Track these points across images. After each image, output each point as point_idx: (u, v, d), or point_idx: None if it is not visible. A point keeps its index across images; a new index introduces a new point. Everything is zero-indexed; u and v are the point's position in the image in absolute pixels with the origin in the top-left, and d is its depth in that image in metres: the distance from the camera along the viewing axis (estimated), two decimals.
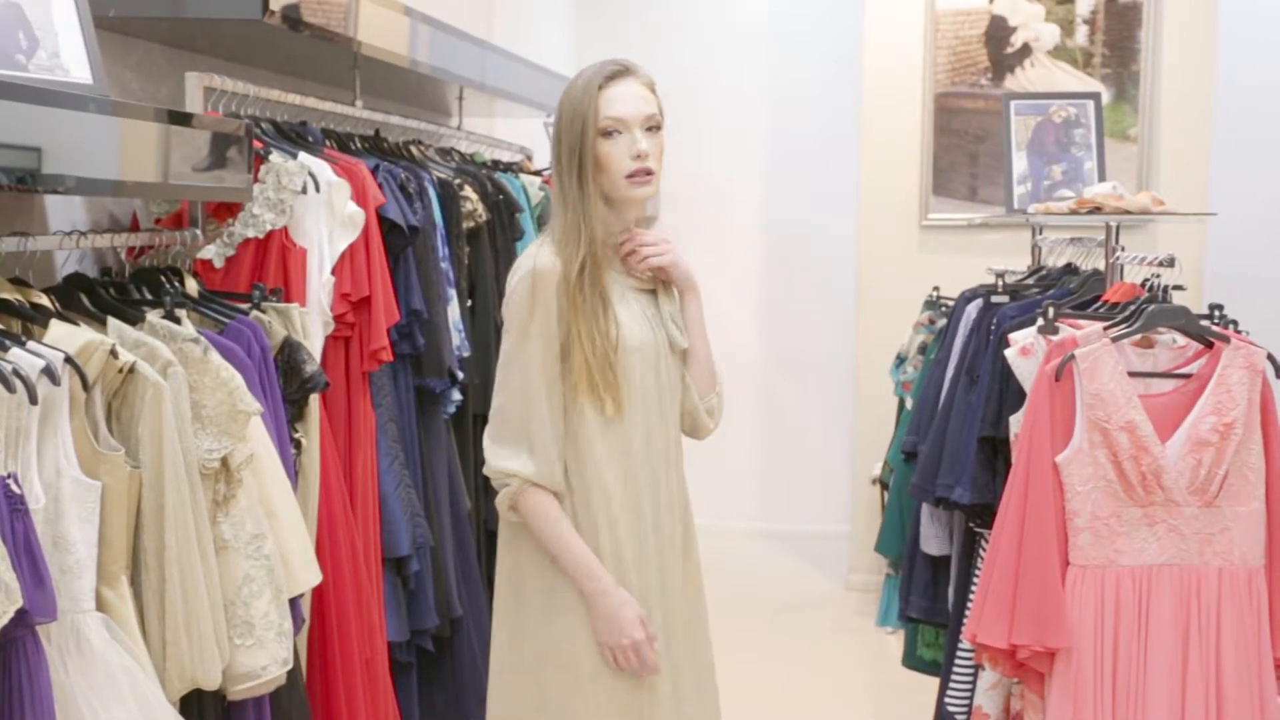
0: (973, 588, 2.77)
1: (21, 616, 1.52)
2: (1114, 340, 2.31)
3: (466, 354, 3.11)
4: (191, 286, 2.25)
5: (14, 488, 1.56)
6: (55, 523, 1.69)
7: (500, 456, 2.13)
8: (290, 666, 2.12)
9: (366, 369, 2.63)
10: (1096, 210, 2.71)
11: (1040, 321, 2.45)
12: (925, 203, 5.07)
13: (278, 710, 2.19)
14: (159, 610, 1.87)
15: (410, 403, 2.91)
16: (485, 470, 2.20)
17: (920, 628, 3.35)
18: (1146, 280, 2.52)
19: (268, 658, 2.05)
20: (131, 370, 1.82)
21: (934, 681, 3.16)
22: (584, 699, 2.13)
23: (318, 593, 2.37)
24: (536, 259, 2.11)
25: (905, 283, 4.86)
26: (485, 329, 3.28)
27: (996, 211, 4.70)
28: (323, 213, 2.40)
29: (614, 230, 2.17)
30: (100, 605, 1.78)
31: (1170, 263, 2.36)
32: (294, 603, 2.19)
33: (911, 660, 3.45)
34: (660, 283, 2.23)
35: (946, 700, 2.89)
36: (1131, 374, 2.31)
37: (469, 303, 3.23)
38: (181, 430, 1.88)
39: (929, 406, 3.18)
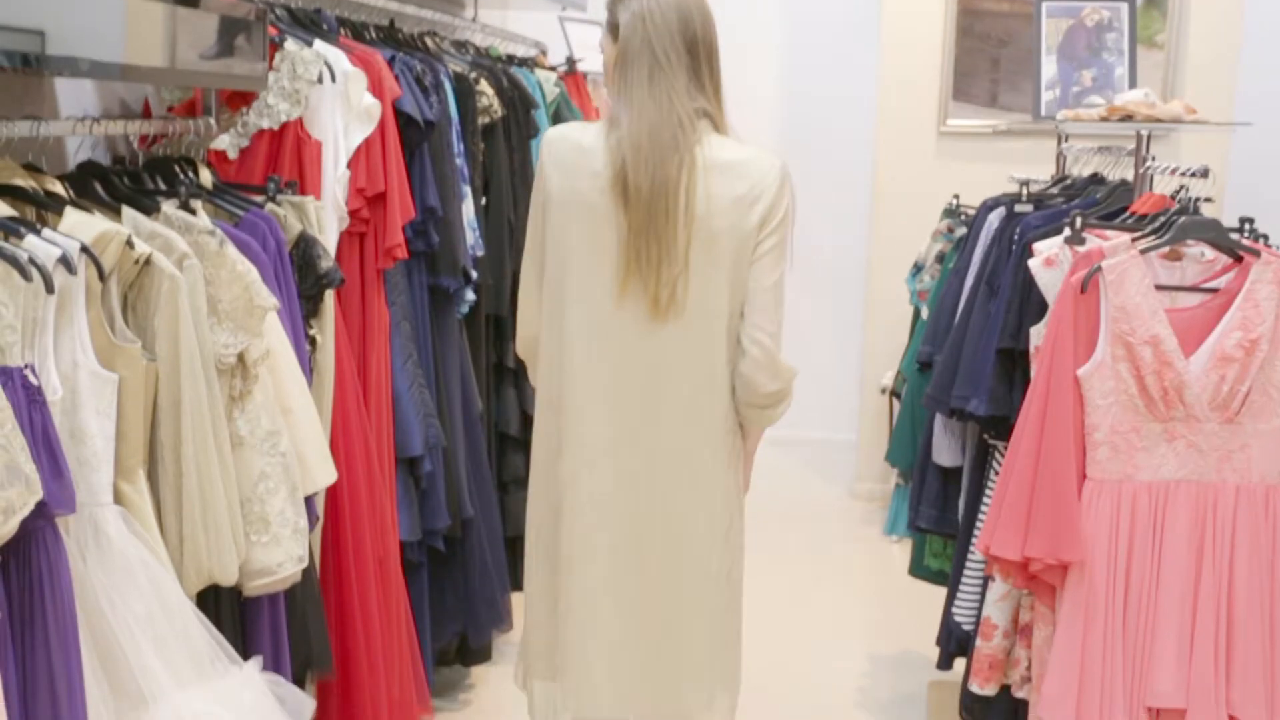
0: (984, 499, 2.76)
1: (41, 508, 1.51)
2: (1142, 252, 2.27)
3: (480, 253, 3.07)
4: (205, 177, 2.20)
5: (31, 379, 1.54)
6: (72, 415, 1.67)
7: (789, 364, 2.17)
8: (305, 564, 2.12)
9: (381, 266, 2.59)
10: (1128, 118, 2.65)
11: (1067, 232, 2.40)
12: (944, 108, 4.97)
13: (292, 607, 2.19)
14: (176, 505, 1.86)
15: (424, 302, 2.88)
16: (779, 382, 2.13)
17: (928, 538, 3.35)
18: (1175, 192, 2.47)
19: (283, 554, 2.05)
20: (148, 262, 1.79)
21: (939, 591, 3.17)
22: None
23: (331, 491, 2.36)
24: (782, 162, 2.10)
25: (922, 190, 4.79)
26: (499, 228, 3.24)
27: (1016, 118, 4.62)
28: (339, 104, 2.35)
29: None
30: (118, 499, 1.77)
31: (1204, 173, 2.31)
32: (309, 500, 2.18)
33: (918, 570, 3.47)
34: None
35: (954, 610, 2.91)
36: (1158, 287, 2.27)
37: (483, 201, 3.18)
38: (198, 324, 1.85)
39: (946, 316, 3.14)
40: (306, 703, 2.03)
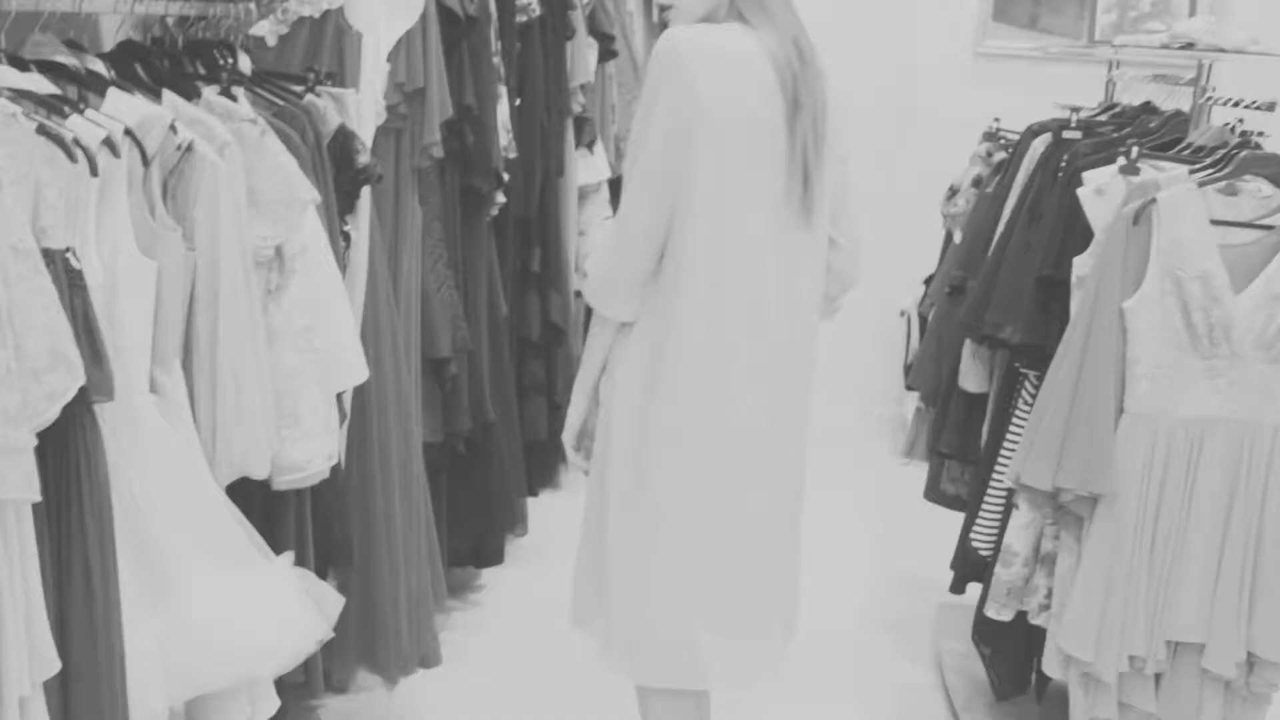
0: (1010, 427, 2.74)
1: (81, 394, 1.49)
2: (1200, 185, 2.22)
3: (513, 155, 3.01)
4: (244, 64, 2.15)
5: (74, 262, 1.51)
6: (111, 301, 1.65)
7: None
8: (335, 461, 2.11)
9: (416, 164, 2.55)
10: (1190, 46, 2.58)
11: (1121, 161, 2.35)
12: (983, 28, 4.86)
13: (317, 503, 2.19)
14: (210, 397, 1.84)
15: (455, 203, 2.84)
16: (860, 272, 2.15)
17: (946, 463, 3.34)
18: (1232, 124, 2.41)
19: (314, 450, 2.04)
20: (190, 148, 1.74)
21: (952, 515, 3.17)
22: None
23: (359, 389, 2.34)
24: None
25: (954, 114, 4.69)
26: (531, 130, 3.18)
27: (1057, 41, 4.51)
28: None
29: None
30: (153, 388, 1.75)
31: (1270, 107, 2.26)
32: (337, 398, 2.16)
33: (934, 494, 3.46)
34: None
35: (971, 536, 2.90)
36: (1212, 222, 2.23)
37: (517, 101, 3.12)
38: (237, 214, 1.82)
39: (981, 242, 3.09)
40: (334, 598, 2.03)
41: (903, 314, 5.02)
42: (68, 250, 1.52)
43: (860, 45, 5.68)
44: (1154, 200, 2.19)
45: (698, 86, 1.85)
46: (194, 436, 1.82)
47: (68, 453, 1.54)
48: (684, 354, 1.96)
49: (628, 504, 2.00)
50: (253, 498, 2.01)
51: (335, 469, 2.18)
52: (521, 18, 3.04)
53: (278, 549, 1.99)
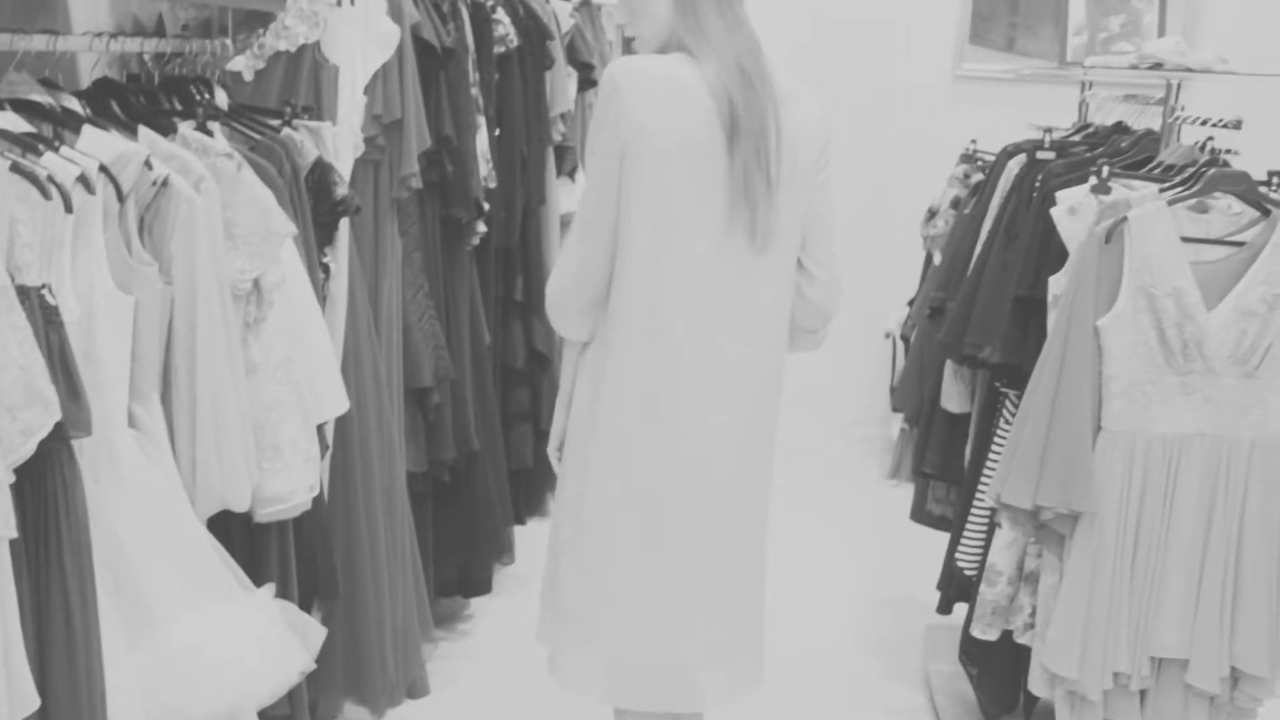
0: (991, 447, 2.76)
1: (58, 430, 1.49)
2: (1170, 203, 2.24)
3: (493, 185, 3.03)
4: (221, 98, 2.16)
5: (49, 299, 1.51)
6: (88, 337, 1.65)
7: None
8: (316, 492, 2.11)
9: (395, 195, 2.56)
10: (1158, 66, 2.61)
11: (1092, 181, 2.38)
12: (960, 52, 4.91)
13: (300, 534, 2.19)
14: (189, 430, 1.85)
15: (435, 233, 2.85)
16: (839, 305, 2.13)
17: (931, 483, 3.35)
18: (1202, 143, 2.44)
19: (295, 482, 2.04)
20: (165, 183, 1.76)
21: (939, 536, 3.18)
22: None
23: (341, 420, 2.35)
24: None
25: (934, 135, 4.73)
26: (511, 159, 3.20)
27: (1034, 64, 4.56)
28: (357, 28, 2.30)
29: None
30: (132, 423, 1.76)
31: (1237, 125, 2.28)
32: (319, 429, 2.17)
33: (919, 515, 3.47)
34: None
35: (956, 556, 2.91)
36: (1184, 239, 2.25)
37: (496, 132, 3.14)
38: (214, 248, 1.83)
39: (960, 263, 3.11)
40: (317, 630, 2.03)
41: (888, 336, 5.04)
42: (43, 287, 1.53)
43: (840, 70, 5.73)
44: (1125, 219, 2.22)
45: (635, 114, 1.89)
46: (174, 470, 1.83)
47: (45, 488, 1.55)
48: (621, 379, 1.99)
49: (573, 526, 2.04)
50: (235, 530, 2.01)
51: (318, 500, 2.18)
52: (500, 49, 3.07)
53: (261, 581, 1.99)
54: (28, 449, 1.45)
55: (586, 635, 2.04)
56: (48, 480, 1.55)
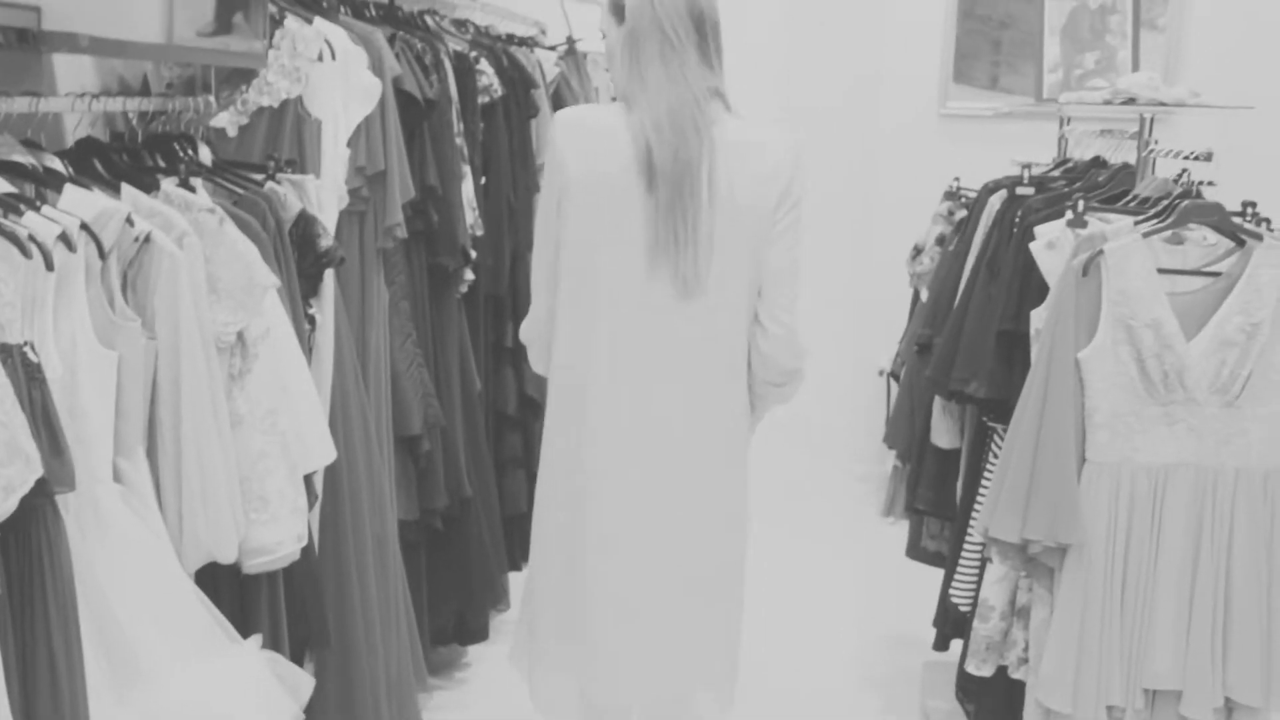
0: (982, 481, 2.77)
1: (41, 486, 1.50)
2: (1144, 236, 2.26)
3: (480, 233, 3.06)
4: (205, 154, 2.19)
5: (31, 356, 1.53)
6: (72, 393, 1.67)
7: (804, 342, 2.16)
8: (305, 542, 2.12)
9: (381, 245, 2.59)
10: (1131, 101, 2.64)
11: (1069, 215, 2.40)
12: (945, 91, 4.96)
13: (290, 585, 2.19)
14: (175, 483, 1.86)
15: (423, 281, 2.88)
16: (796, 360, 2.14)
17: (925, 519, 3.36)
18: (1177, 175, 2.47)
19: (283, 533, 2.04)
20: (147, 240, 1.78)
21: (936, 572, 3.18)
22: None
23: (330, 470, 2.36)
24: (796, 138, 2.08)
25: (922, 173, 4.77)
26: (498, 207, 3.23)
27: (1017, 101, 4.60)
28: (339, 82, 2.34)
29: None
30: (117, 477, 1.77)
31: (1206, 157, 2.31)
32: (308, 479, 2.18)
33: (915, 551, 3.47)
34: None
35: (951, 592, 2.91)
36: (1160, 271, 2.27)
37: (482, 180, 3.17)
38: (197, 303, 1.85)
39: (946, 299, 3.14)
40: (306, 681, 2.02)
41: (881, 373, 5.05)
42: (26, 344, 1.54)
43: (827, 110, 5.79)
44: (1101, 252, 2.24)
45: (566, 161, 2.01)
46: (159, 523, 1.83)
47: (29, 545, 1.55)
48: (555, 417, 2.12)
49: (531, 561, 2.23)
50: (224, 582, 2.01)
51: (307, 550, 2.18)
52: (484, 98, 3.10)
53: (251, 633, 1.99)
54: (9, 505, 1.46)
55: (554, 664, 2.19)
56: (32, 536, 1.55)
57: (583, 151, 2.03)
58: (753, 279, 2.06)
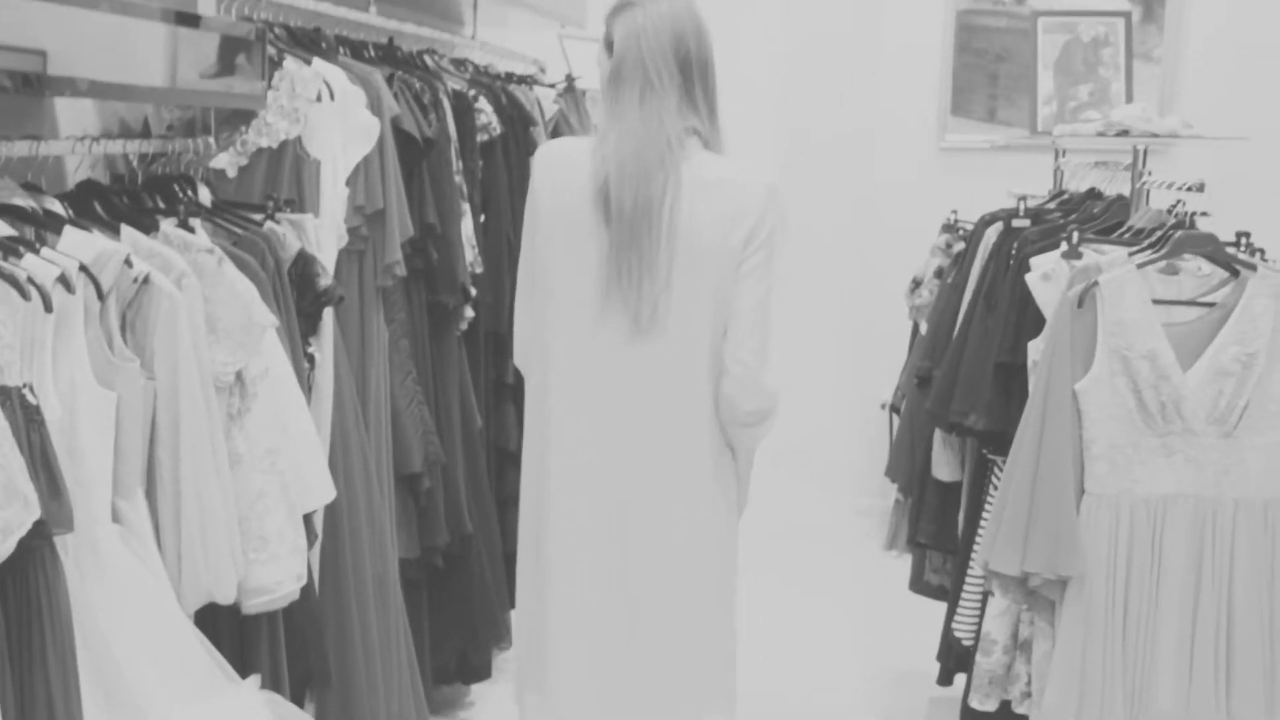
0: (984, 514, 2.77)
1: (39, 527, 1.51)
2: (1139, 267, 2.27)
3: (479, 270, 3.07)
4: (204, 195, 2.21)
5: (30, 398, 1.54)
6: (70, 434, 1.67)
7: (775, 382, 2.11)
8: (304, 582, 2.12)
9: (380, 284, 2.60)
10: (1124, 133, 2.66)
11: (1063, 246, 2.41)
12: (943, 124, 4.99)
13: (290, 624, 2.19)
14: (174, 524, 1.86)
15: (423, 319, 2.89)
16: (759, 402, 2.08)
17: (928, 553, 3.35)
18: (1172, 206, 2.48)
19: (282, 572, 2.05)
20: (146, 280, 1.79)
21: (940, 606, 3.17)
22: None
23: (330, 508, 2.36)
24: (772, 179, 2.08)
25: (921, 206, 4.80)
26: (497, 245, 3.24)
27: (1015, 134, 4.63)
28: (337, 122, 2.36)
29: None
30: (116, 517, 1.77)
31: (1199, 188, 2.32)
32: (307, 518, 2.18)
33: (918, 585, 3.47)
34: None
35: (954, 626, 2.90)
36: (1155, 301, 2.28)
37: (481, 218, 3.19)
38: (196, 343, 1.86)
39: (944, 332, 3.15)
40: None
41: (883, 406, 5.05)
42: (24, 386, 1.55)
43: (826, 144, 5.83)
44: (1096, 283, 2.25)
45: (539, 193, 2.08)
46: (159, 564, 1.83)
47: (28, 586, 1.56)
48: (527, 446, 2.20)
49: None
50: (224, 622, 2.01)
51: (307, 590, 2.18)
52: (483, 136, 3.13)
53: (251, 673, 1.99)
54: (7, 547, 1.46)
55: (537, 686, 2.23)
56: (30, 578, 1.56)
57: (553, 183, 2.08)
58: (717, 320, 2.04)
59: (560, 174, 2.07)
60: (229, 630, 2.02)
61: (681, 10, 2.07)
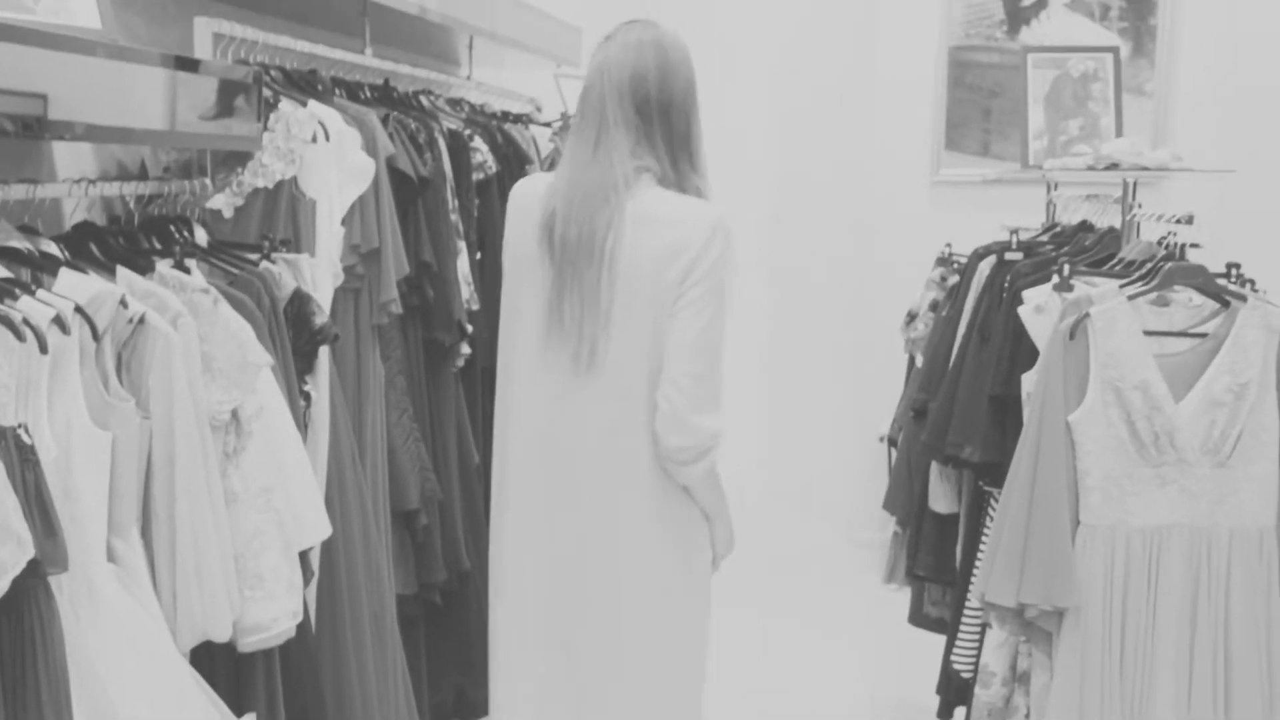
0: (981, 546, 2.77)
1: (34, 567, 1.51)
2: (1130, 299, 2.29)
3: (475, 307, 3.09)
4: (200, 236, 2.23)
5: (25, 438, 1.55)
6: (66, 474, 1.68)
7: (713, 420, 2.04)
8: (300, 619, 2.12)
9: (376, 321, 2.61)
10: (1114, 166, 2.68)
11: (1055, 279, 2.43)
12: (937, 158, 5.02)
13: (287, 662, 2.19)
14: (170, 562, 1.86)
15: (419, 356, 2.90)
16: (686, 439, 2.01)
17: (927, 585, 3.35)
18: (1163, 238, 2.50)
19: (278, 610, 2.05)
20: (141, 321, 1.80)
21: (939, 639, 3.17)
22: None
23: (327, 546, 2.36)
24: (718, 214, 2.04)
25: (917, 239, 4.82)
26: (494, 282, 3.25)
27: (1009, 168, 4.66)
28: (332, 163, 2.37)
29: None
30: (111, 556, 1.77)
31: (1188, 220, 2.34)
32: (304, 556, 2.18)
33: (917, 618, 3.46)
34: None
35: (953, 658, 2.90)
36: (1147, 333, 2.29)
37: (478, 255, 3.21)
38: (191, 382, 1.87)
39: (939, 364, 3.16)
40: None
41: (881, 438, 5.05)
42: (19, 426, 1.56)
43: (822, 180, 5.86)
44: (1088, 315, 2.26)
45: (507, 227, 2.16)
46: (154, 603, 1.84)
47: (22, 626, 1.56)
48: (494, 481, 2.24)
49: None
50: (220, 661, 2.01)
51: (304, 627, 2.18)
52: (478, 175, 3.15)
53: (247, 712, 1.99)
54: (2, 586, 1.47)
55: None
56: (24, 617, 1.56)
57: (513, 218, 2.15)
58: (654, 357, 2.00)
59: (522, 206, 2.13)
60: (225, 668, 2.02)
61: (648, 48, 2.05)
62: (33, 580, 1.55)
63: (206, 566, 1.88)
